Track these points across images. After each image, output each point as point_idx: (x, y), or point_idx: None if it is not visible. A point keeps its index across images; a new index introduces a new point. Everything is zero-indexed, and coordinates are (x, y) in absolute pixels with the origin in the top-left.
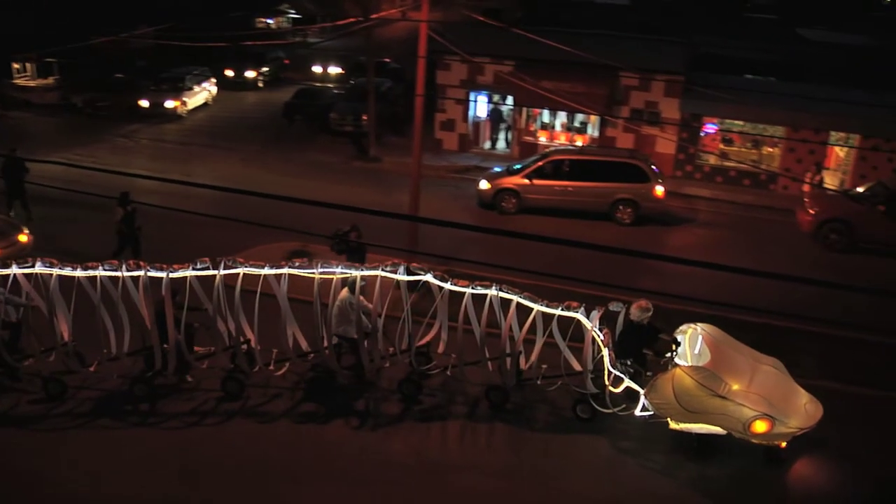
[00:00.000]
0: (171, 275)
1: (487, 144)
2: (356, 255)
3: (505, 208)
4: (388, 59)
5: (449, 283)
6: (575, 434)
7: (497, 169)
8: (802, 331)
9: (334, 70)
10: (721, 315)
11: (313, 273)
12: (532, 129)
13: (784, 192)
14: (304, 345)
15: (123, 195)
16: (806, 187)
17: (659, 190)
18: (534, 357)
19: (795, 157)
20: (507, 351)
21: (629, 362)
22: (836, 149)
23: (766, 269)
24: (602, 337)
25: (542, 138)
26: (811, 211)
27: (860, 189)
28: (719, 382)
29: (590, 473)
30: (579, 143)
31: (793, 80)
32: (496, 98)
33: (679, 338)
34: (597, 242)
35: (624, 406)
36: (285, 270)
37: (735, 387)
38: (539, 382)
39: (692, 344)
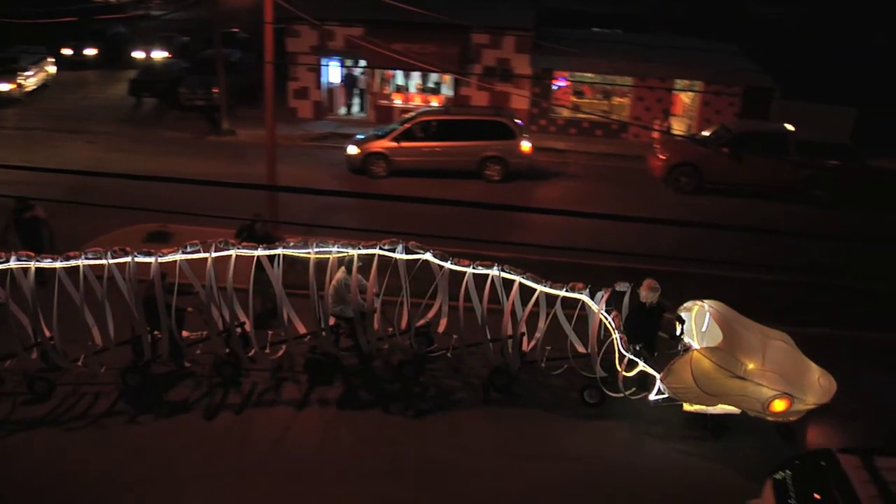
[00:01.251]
0: (160, 259)
1: (343, 110)
2: (260, 239)
3: (375, 172)
4: (236, 29)
5: (449, 262)
6: (582, 418)
7: (361, 136)
8: (672, 272)
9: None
10: (597, 263)
11: (308, 253)
12: (386, 92)
13: (635, 139)
14: (300, 328)
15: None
16: (655, 134)
17: (525, 146)
18: (536, 339)
19: (644, 106)
20: (510, 332)
21: (639, 347)
22: (682, 96)
23: (627, 215)
24: (611, 319)
25: (398, 101)
26: (661, 156)
27: (706, 133)
28: (736, 363)
29: (613, 454)
30: (434, 103)
31: (638, 31)
32: (349, 63)
33: (684, 315)
34: (467, 200)
35: (634, 390)
36: (279, 251)
37: (750, 366)
38: (543, 365)
39: (699, 322)
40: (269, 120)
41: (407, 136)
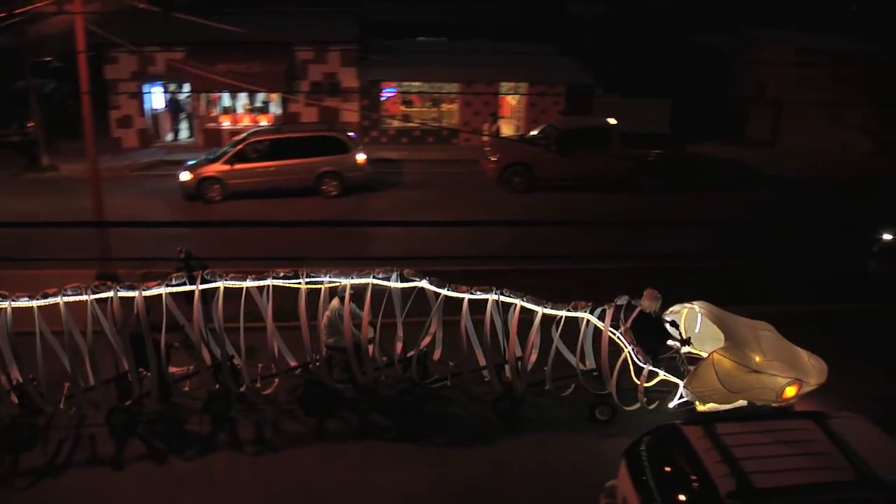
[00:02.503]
0: (145, 293)
1: (170, 136)
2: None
3: (210, 197)
4: (49, 58)
5: (447, 288)
6: (601, 436)
7: (192, 161)
8: (512, 270)
9: None
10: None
11: (299, 283)
12: (213, 114)
13: (466, 144)
14: (290, 360)
15: None
16: (485, 136)
17: (360, 158)
18: (533, 359)
19: (473, 111)
20: (514, 355)
21: (659, 356)
22: (509, 98)
23: (468, 219)
24: (621, 335)
25: (226, 123)
26: (493, 158)
27: (534, 132)
28: (748, 358)
29: None
30: (264, 123)
31: (463, 38)
32: (172, 88)
33: (674, 319)
34: (306, 218)
35: (646, 400)
36: (268, 282)
37: (757, 359)
38: (547, 387)
39: (690, 324)
40: (90, 151)
41: (240, 157)
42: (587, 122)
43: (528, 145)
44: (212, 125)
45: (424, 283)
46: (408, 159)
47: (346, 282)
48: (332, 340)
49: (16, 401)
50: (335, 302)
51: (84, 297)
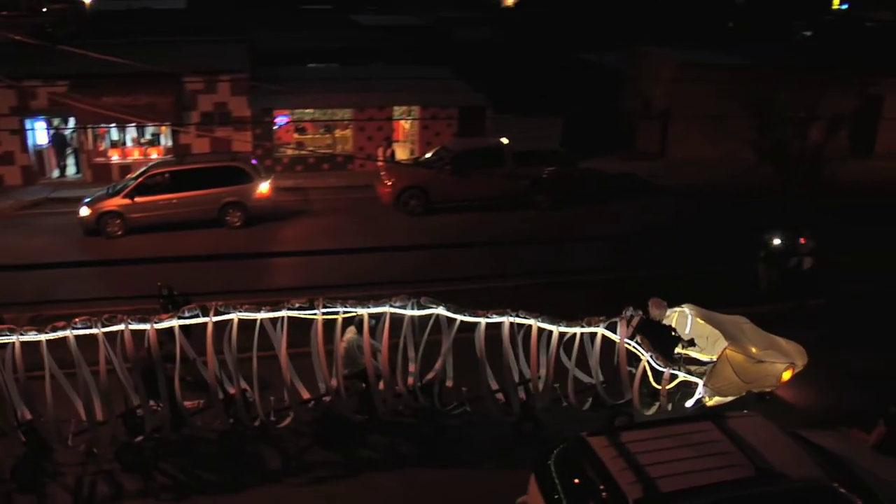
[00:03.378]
0: (156, 325)
1: (56, 173)
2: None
3: (111, 232)
4: None
5: (465, 314)
6: None
7: (88, 199)
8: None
9: None
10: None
11: (315, 314)
12: (101, 149)
13: (361, 169)
14: (304, 392)
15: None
16: (380, 161)
17: (264, 188)
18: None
19: (366, 136)
20: (533, 374)
21: (678, 358)
22: (402, 122)
23: (370, 244)
24: (637, 345)
25: (115, 157)
26: (388, 183)
27: (428, 155)
28: (749, 350)
29: None
30: (154, 155)
31: (354, 63)
32: (56, 122)
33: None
34: (209, 250)
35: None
36: (283, 313)
37: (754, 350)
38: (565, 404)
39: (680, 326)
40: None
41: (140, 190)
42: (480, 142)
43: (423, 168)
44: (100, 160)
45: (441, 311)
46: (303, 187)
47: (364, 311)
48: (348, 370)
49: (23, 439)
50: (350, 332)
51: (94, 331)
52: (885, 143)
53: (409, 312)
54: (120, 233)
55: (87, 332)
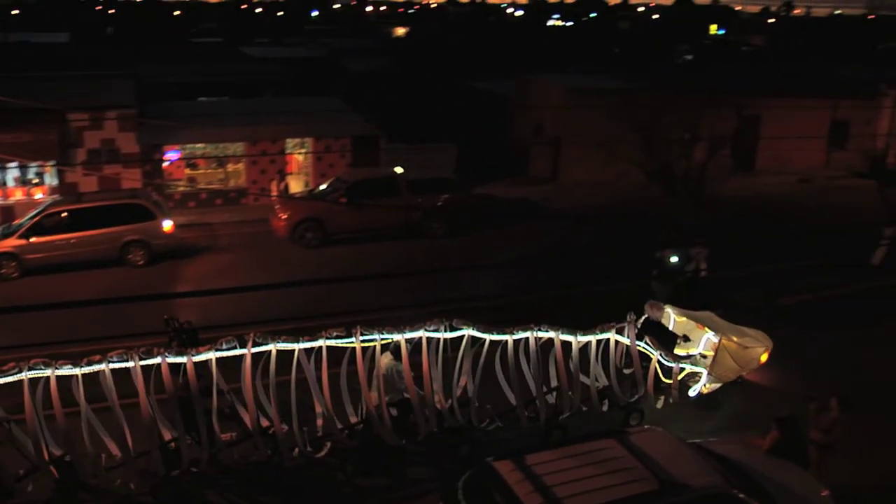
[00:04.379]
0: (195, 358)
1: None
2: (189, 341)
3: (6, 274)
4: None
5: (493, 332)
6: None
7: None
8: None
9: None
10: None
11: (352, 342)
12: None
13: (256, 203)
14: (337, 422)
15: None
16: (274, 193)
17: (167, 225)
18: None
19: (259, 169)
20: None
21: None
22: (296, 154)
23: (272, 279)
24: (647, 344)
25: None
26: (283, 216)
27: (323, 187)
28: (736, 338)
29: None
30: (39, 195)
31: (246, 96)
32: None
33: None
34: (110, 290)
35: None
36: (321, 342)
37: (735, 338)
38: (584, 408)
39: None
40: None
41: (37, 230)
42: (374, 172)
43: (318, 200)
44: None
45: (472, 331)
46: (198, 223)
47: (401, 337)
48: (389, 397)
49: (56, 475)
50: (386, 359)
51: (130, 364)
52: (764, 160)
53: (443, 335)
54: (16, 275)
55: (124, 365)
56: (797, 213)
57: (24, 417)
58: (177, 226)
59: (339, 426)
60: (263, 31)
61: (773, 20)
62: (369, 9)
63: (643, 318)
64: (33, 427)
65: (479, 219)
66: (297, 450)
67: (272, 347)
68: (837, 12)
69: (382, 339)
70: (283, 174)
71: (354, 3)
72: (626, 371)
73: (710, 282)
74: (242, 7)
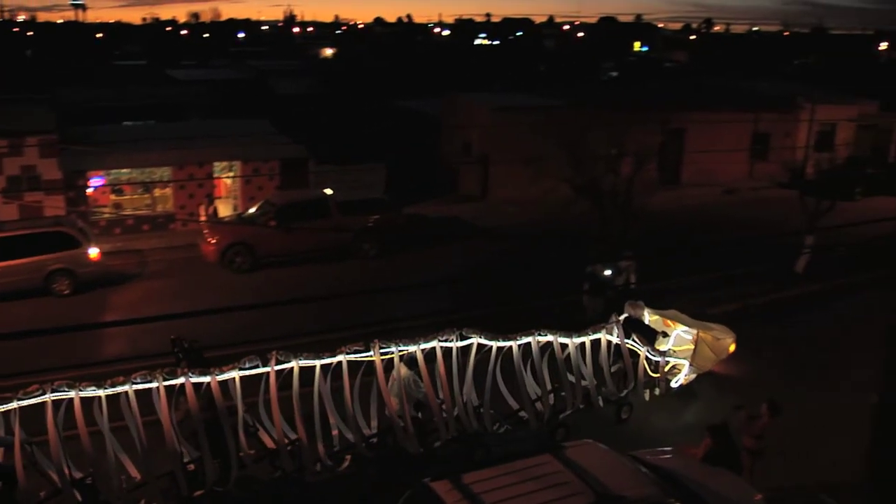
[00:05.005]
0: (218, 377)
1: None
2: (196, 361)
3: None
4: None
5: (499, 340)
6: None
7: None
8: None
9: None
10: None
11: (371, 356)
12: None
13: (185, 228)
14: (350, 436)
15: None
16: (202, 218)
17: (93, 253)
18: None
19: (187, 193)
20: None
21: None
22: (223, 178)
23: (202, 305)
24: (634, 341)
25: None
26: (211, 241)
27: (252, 210)
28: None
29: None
30: None
31: (172, 119)
32: None
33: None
34: (34, 322)
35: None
36: (342, 357)
37: (705, 331)
38: (582, 406)
39: None
40: None
41: None
42: (304, 195)
43: (247, 224)
44: None
45: (480, 339)
46: (125, 250)
47: (416, 348)
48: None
49: (79, 498)
50: (403, 370)
51: (154, 385)
52: (689, 173)
53: (455, 344)
54: None
55: (148, 385)
56: (723, 224)
57: (46, 439)
58: (103, 253)
59: (358, 438)
60: (189, 54)
61: (694, 37)
62: (296, 30)
63: (624, 316)
64: (56, 449)
65: (411, 238)
66: (318, 464)
67: (294, 364)
68: (755, 29)
69: (400, 351)
70: (211, 198)
71: (281, 24)
72: (614, 368)
73: (641, 294)
74: (167, 29)
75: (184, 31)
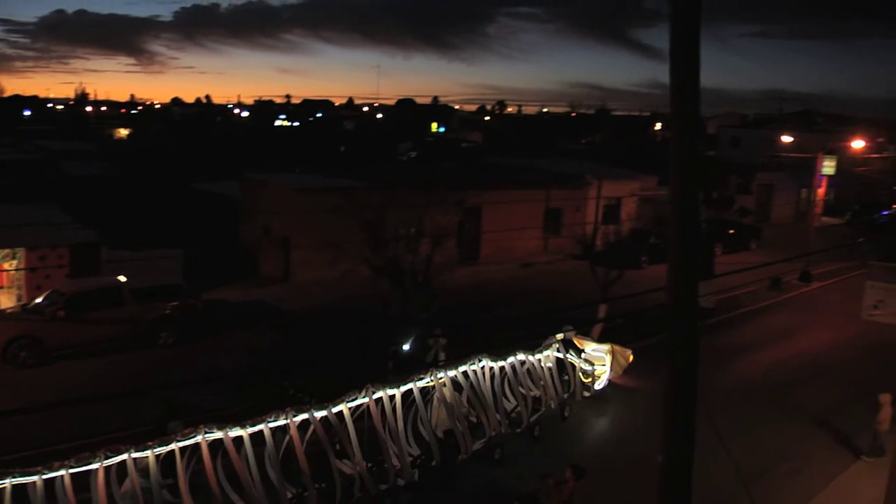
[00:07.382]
0: (294, 419)
1: None
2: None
3: None
4: None
5: (497, 361)
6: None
7: None
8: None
9: None
10: None
11: (432, 381)
12: None
13: None
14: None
15: None
16: None
17: None
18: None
19: None
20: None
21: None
22: (6, 266)
23: None
24: (572, 355)
25: None
26: None
27: (38, 300)
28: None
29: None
30: None
31: None
32: None
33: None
34: None
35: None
36: (411, 385)
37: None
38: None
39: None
40: None
41: None
42: (95, 282)
43: (33, 315)
44: None
45: (486, 362)
46: None
47: (456, 372)
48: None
49: None
50: (448, 392)
51: (198, 439)
52: (488, 250)
53: (478, 366)
54: None
55: (193, 441)
56: (522, 296)
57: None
58: None
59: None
60: None
61: (488, 118)
62: (89, 109)
63: (560, 337)
64: None
65: (211, 325)
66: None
67: (383, 394)
68: (545, 110)
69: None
70: None
71: (73, 102)
72: (565, 377)
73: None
74: None
75: None
